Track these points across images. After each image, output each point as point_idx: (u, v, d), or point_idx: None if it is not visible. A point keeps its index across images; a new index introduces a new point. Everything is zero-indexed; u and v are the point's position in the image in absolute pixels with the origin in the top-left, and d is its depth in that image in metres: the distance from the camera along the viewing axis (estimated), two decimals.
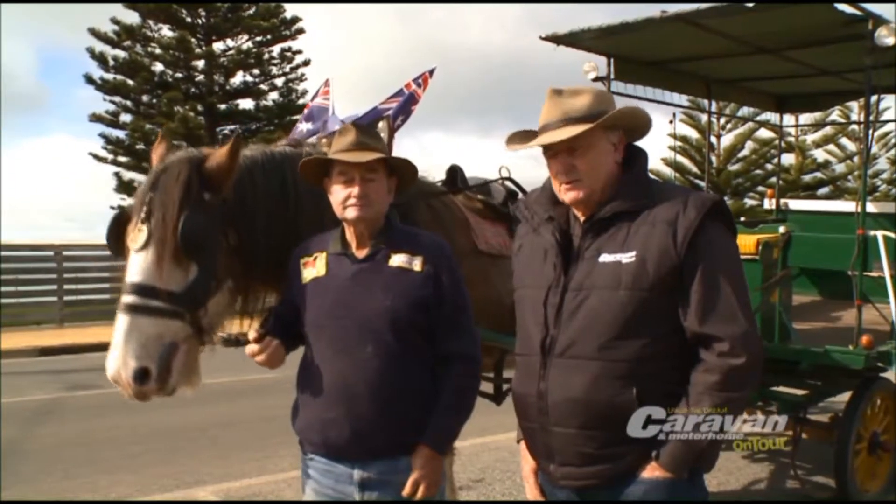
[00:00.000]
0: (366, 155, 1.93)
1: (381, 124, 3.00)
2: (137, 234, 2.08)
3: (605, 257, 1.68)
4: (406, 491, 1.88)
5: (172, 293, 2.05)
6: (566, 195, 1.75)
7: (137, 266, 2.06)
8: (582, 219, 1.77)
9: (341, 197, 1.95)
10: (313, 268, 2.01)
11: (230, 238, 2.22)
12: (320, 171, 2.04)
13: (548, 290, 1.75)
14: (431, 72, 4.75)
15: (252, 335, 1.92)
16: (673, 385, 1.66)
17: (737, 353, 1.58)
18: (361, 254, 1.98)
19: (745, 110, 15.08)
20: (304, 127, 5.49)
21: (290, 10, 19.34)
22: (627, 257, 1.65)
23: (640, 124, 1.81)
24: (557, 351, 1.70)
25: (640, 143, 1.85)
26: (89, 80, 18.11)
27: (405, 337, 1.92)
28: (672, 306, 1.65)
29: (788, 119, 7.18)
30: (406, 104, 4.47)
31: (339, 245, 2.00)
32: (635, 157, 1.79)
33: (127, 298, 2.05)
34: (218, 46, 19.31)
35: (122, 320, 2.03)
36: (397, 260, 1.95)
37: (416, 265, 1.95)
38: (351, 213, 1.93)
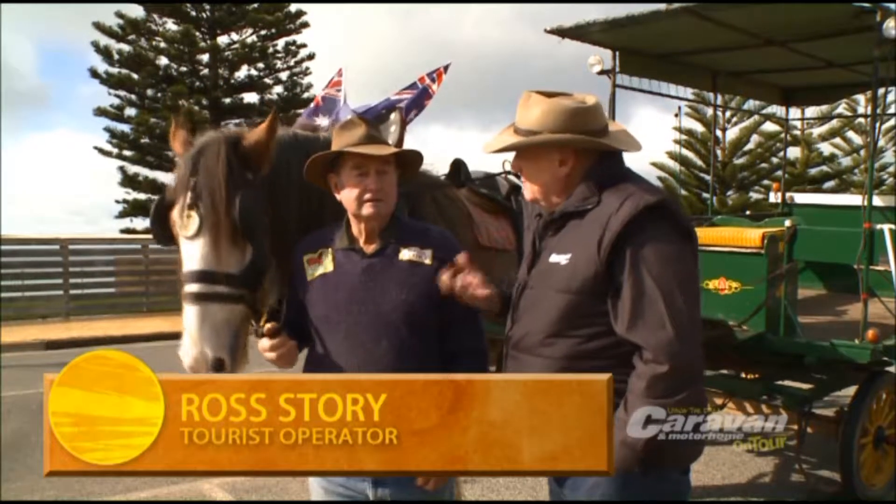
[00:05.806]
0: (383, 148, 1.91)
1: (393, 115, 2.97)
2: (188, 221, 2.04)
3: (553, 258, 1.74)
4: (420, 481, 1.88)
5: (233, 276, 2.03)
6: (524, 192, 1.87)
7: (194, 253, 2.03)
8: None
9: (356, 192, 1.89)
10: (320, 264, 1.97)
11: (268, 217, 2.18)
12: (325, 167, 1.98)
13: (519, 286, 1.84)
14: (446, 67, 4.68)
15: (266, 327, 1.87)
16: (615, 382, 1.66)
17: (660, 361, 1.56)
18: (370, 248, 1.94)
19: (750, 103, 14.96)
20: (319, 122, 5.39)
21: (295, 4, 19.33)
22: (565, 259, 1.71)
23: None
24: (512, 344, 1.81)
25: (643, 141, 1.84)
26: (94, 73, 18.09)
27: (419, 331, 1.91)
28: (603, 308, 1.65)
29: (794, 112, 7.14)
30: (419, 98, 4.40)
31: (346, 240, 1.96)
32: (601, 161, 1.77)
33: (191, 288, 2.01)
34: (222, 40, 19.26)
35: (191, 310, 2.00)
36: (407, 254, 1.93)
37: (427, 259, 1.93)
38: (368, 209, 1.89)
